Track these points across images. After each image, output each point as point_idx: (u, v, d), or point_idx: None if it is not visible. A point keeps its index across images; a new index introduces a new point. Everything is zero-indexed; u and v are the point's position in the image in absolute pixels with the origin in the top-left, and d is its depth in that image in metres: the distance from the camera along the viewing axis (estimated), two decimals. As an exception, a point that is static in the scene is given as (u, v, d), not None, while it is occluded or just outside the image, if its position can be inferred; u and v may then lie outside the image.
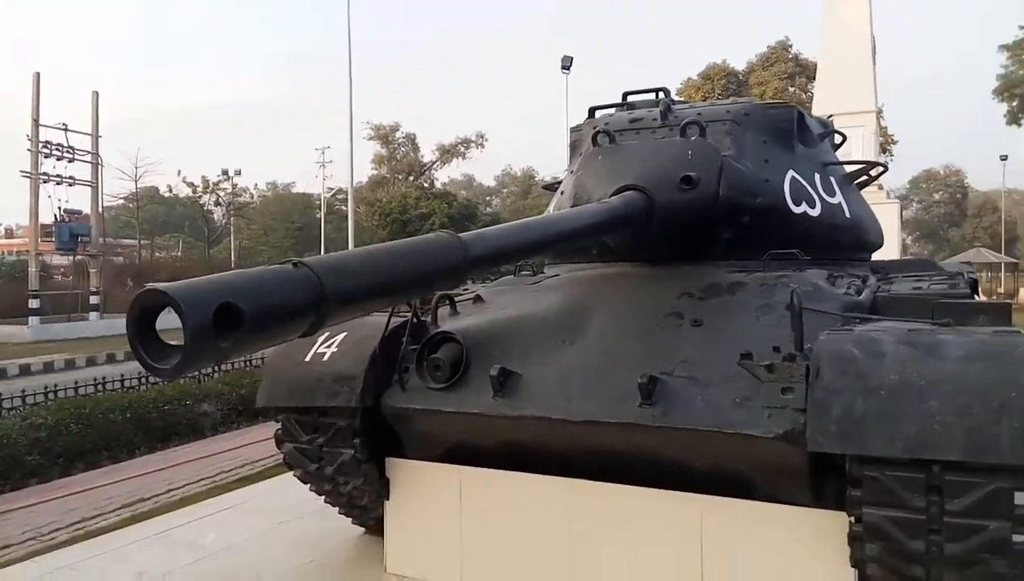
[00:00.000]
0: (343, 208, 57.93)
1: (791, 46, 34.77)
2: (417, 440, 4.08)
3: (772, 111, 4.58)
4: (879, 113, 15.90)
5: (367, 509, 4.46)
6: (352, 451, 4.01)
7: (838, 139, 5.25)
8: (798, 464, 3.15)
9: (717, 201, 4.03)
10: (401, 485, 4.18)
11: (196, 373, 11.22)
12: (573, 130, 5.16)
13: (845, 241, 4.59)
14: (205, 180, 49.91)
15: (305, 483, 4.43)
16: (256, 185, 65.49)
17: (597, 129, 4.50)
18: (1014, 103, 33.87)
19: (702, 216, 4.05)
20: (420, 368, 3.86)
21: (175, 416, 9.30)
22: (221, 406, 10.03)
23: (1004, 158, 45.24)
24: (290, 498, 5.58)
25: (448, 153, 53.92)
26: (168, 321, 1.75)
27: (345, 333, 4.07)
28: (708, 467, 3.40)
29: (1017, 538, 2.76)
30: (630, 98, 5.79)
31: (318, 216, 56.10)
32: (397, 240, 2.68)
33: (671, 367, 3.42)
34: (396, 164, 53.73)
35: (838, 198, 4.59)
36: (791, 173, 4.39)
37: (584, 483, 3.68)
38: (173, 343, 1.73)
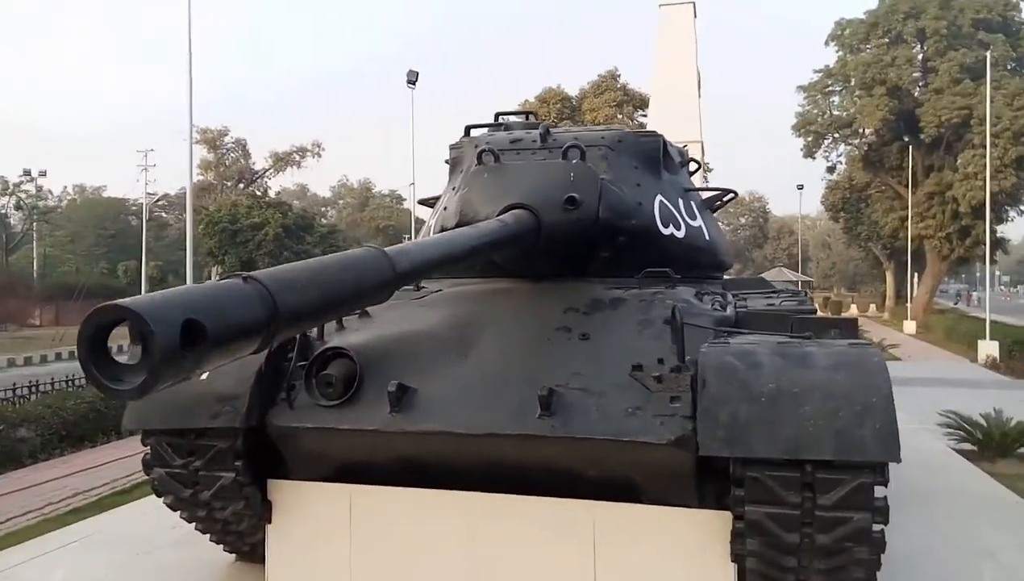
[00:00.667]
0: (163, 215, 54.36)
1: (619, 76, 36.93)
2: (304, 460, 3.96)
3: (643, 139, 4.90)
4: (702, 143, 17.23)
5: (243, 534, 4.25)
6: (233, 474, 3.82)
7: (692, 166, 5.68)
8: (685, 468, 3.38)
9: (597, 221, 4.25)
10: (284, 507, 4.03)
11: (10, 395, 10.14)
12: (453, 147, 5.22)
13: (705, 261, 4.98)
14: (3, 181, 44.98)
15: (175, 510, 4.15)
16: (65, 188, 60.07)
17: (481, 148, 4.59)
18: (809, 138, 37.83)
19: (583, 235, 4.26)
20: (309, 385, 3.76)
21: (-13, 443, 8.33)
22: (41, 431, 9.09)
23: (800, 187, 50.20)
24: (143, 526, 5.22)
25: (282, 161, 51.98)
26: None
27: None
28: (600, 474, 3.57)
29: (876, 527, 3.14)
30: (500, 118, 5.98)
31: (134, 223, 52.19)
32: (327, 255, 2.63)
33: (564, 379, 3.56)
34: (225, 170, 51.04)
35: (699, 221, 4.98)
36: (659, 197, 4.71)
37: (479, 495, 3.74)
38: (125, 362, 1.62)
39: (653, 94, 16.63)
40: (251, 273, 2.06)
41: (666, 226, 4.66)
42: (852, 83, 35.39)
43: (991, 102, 29.95)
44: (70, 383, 11.01)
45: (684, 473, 3.43)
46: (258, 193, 49.66)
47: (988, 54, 22.31)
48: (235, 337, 1.88)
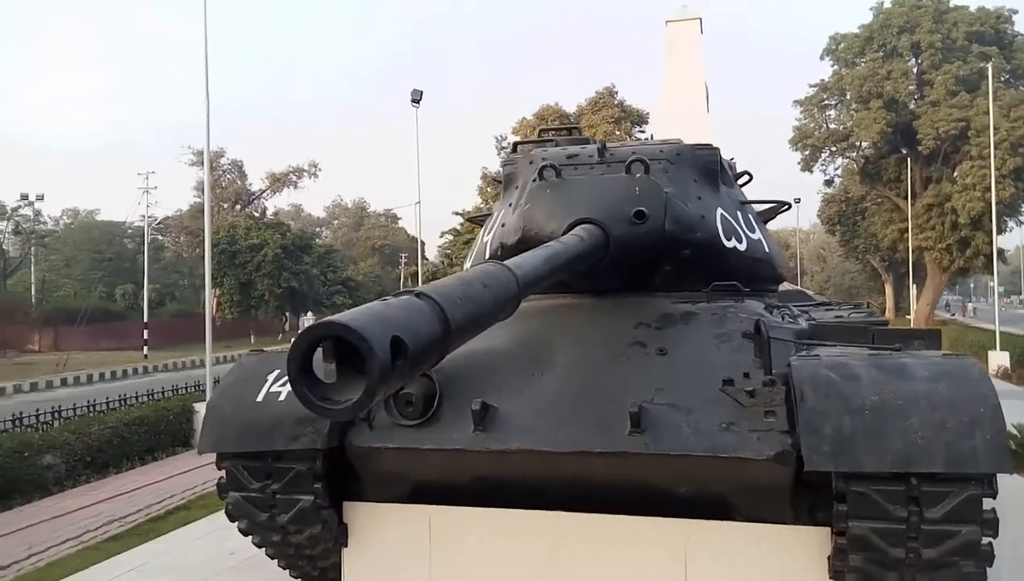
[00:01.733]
0: (159, 237, 54.13)
1: (616, 92, 37.08)
2: (381, 480, 3.91)
3: (700, 152, 4.89)
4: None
5: (315, 559, 4.18)
6: (312, 497, 3.76)
7: (744, 178, 5.68)
8: (782, 483, 3.35)
9: (663, 235, 4.23)
10: (360, 530, 3.97)
11: (33, 421, 10.02)
12: (505, 163, 5.21)
13: (765, 274, 4.97)
14: (0, 205, 44.80)
15: (247, 534, 4.09)
16: (63, 212, 59.86)
17: (541, 164, 4.57)
18: (806, 152, 38.09)
19: (649, 249, 4.23)
20: (388, 404, 3.71)
21: (14, 471, 8.21)
22: (66, 458, 8.98)
23: (798, 201, 50.36)
24: (197, 553, 5.14)
25: (279, 181, 52.01)
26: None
27: None
28: (692, 491, 3.53)
29: (984, 540, 3.10)
30: (543, 134, 5.99)
31: (129, 246, 51.96)
32: (462, 271, 2.61)
33: (649, 395, 3.53)
34: (221, 192, 50.99)
35: (757, 234, 4.96)
36: (720, 210, 4.70)
37: (564, 515, 3.69)
38: (327, 381, 1.59)
39: (662, 109, 16.72)
40: (420, 289, 2.03)
41: (728, 239, 4.64)
42: (848, 97, 35.70)
43: (987, 114, 30.42)
44: (91, 408, 10.90)
45: (780, 489, 3.39)
46: (256, 214, 49.66)
47: (990, 65, 22.55)
48: (426, 352, 1.87)
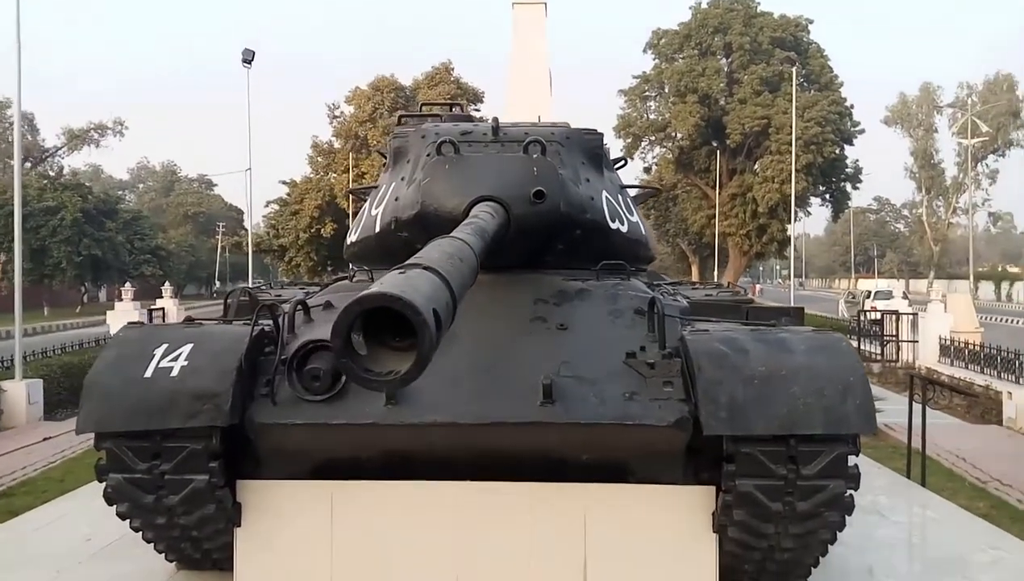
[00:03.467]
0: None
1: (453, 69, 37.15)
2: (283, 458, 3.79)
3: (587, 136, 5.09)
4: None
5: (200, 541, 3.97)
6: (207, 476, 3.58)
7: (620, 163, 5.98)
8: (677, 447, 3.63)
9: (559, 215, 4.39)
10: (256, 509, 3.83)
11: None
12: (396, 136, 5.14)
13: (642, 254, 5.29)
14: None
15: (126, 518, 3.81)
16: None
17: (439, 139, 4.56)
18: (628, 140, 40.22)
19: (546, 229, 4.38)
20: (291, 379, 3.61)
21: None
22: None
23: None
24: (51, 541, 4.72)
25: (78, 139, 47.20)
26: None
27: (191, 345, 3.63)
28: (593, 458, 3.74)
29: (847, 492, 3.55)
30: (423, 108, 5.98)
31: None
32: (436, 240, 2.59)
33: (554, 368, 3.68)
34: (7, 147, 45.51)
35: (636, 217, 5.27)
36: (604, 193, 4.94)
37: (468, 484, 3.77)
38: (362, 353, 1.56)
39: (508, 91, 16.97)
40: (425, 263, 2.02)
41: (613, 221, 4.90)
42: (667, 90, 38.02)
43: (784, 113, 33.60)
44: None
45: (674, 452, 3.68)
46: (50, 173, 44.80)
47: (793, 70, 24.91)
48: (448, 325, 1.86)
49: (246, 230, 59.42)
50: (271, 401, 3.59)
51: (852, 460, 3.52)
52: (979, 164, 54.83)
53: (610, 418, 3.50)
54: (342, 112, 38.03)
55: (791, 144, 30.95)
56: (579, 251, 4.65)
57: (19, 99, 12.42)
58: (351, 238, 5.34)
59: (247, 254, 33.59)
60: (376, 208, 5.05)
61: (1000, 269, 62.40)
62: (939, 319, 16.73)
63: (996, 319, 31.87)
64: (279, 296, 5.24)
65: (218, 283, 68.75)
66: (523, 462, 3.75)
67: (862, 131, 37.48)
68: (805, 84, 36.81)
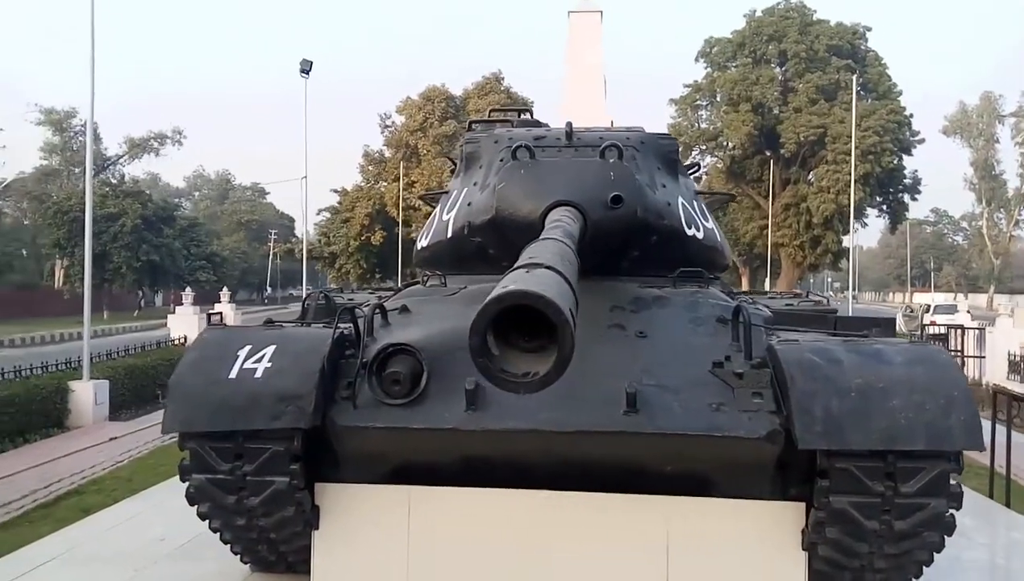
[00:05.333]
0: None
1: (503, 79, 37.31)
2: (362, 461, 3.77)
3: (663, 141, 5.01)
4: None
5: (277, 543, 3.97)
6: (287, 478, 3.57)
7: (693, 170, 5.88)
8: (766, 461, 3.51)
9: (635, 221, 4.30)
10: (334, 512, 3.82)
11: None
12: (468, 141, 5.12)
13: (718, 261, 5.17)
14: None
15: (207, 519, 3.83)
16: None
17: (514, 144, 4.52)
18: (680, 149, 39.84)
19: (622, 234, 4.30)
20: (372, 383, 3.58)
21: None
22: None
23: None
24: (126, 540, 4.78)
25: (138, 147, 48.58)
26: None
27: (274, 346, 3.63)
28: (677, 470, 3.63)
29: (949, 512, 3.39)
30: (493, 114, 5.97)
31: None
32: (537, 242, 2.55)
33: (637, 376, 3.58)
34: (72, 155, 47.06)
35: (711, 223, 5.16)
36: (680, 199, 4.84)
37: (546, 493, 3.70)
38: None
39: (563, 97, 16.97)
40: (547, 263, 1.97)
41: (689, 227, 4.79)
42: (719, 98, 37.59)
43: (841, 123, 32.92)
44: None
45: (763, 466, 3.55)
46: (112, 181, 46.16)
47: (853, 78, 24.39)
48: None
49: (297, 237, 60.59)
50: (352, 404, 3.57)
51: (954, 479, 3.36)
52: (1043, 175, 53.04)
53: (697, 429, 3.39)
54: (393, 122, 38.49)
55: (848, 154, 30.31)
56: (655, 258, 4.56)
57: (91, 114, 12.76)
58: (422, 243, 5.33)
59: (299, 261, 34.21)
60: (448, 213, 5.02)
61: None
62: (1008, 334, 16.12)
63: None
64: (351, 300, 5.26)
65: (269, 289, 70.04)
66: (603, 472, 3.66)
67: (922, 141, 36.59)
68: (863, 93, 35.99)
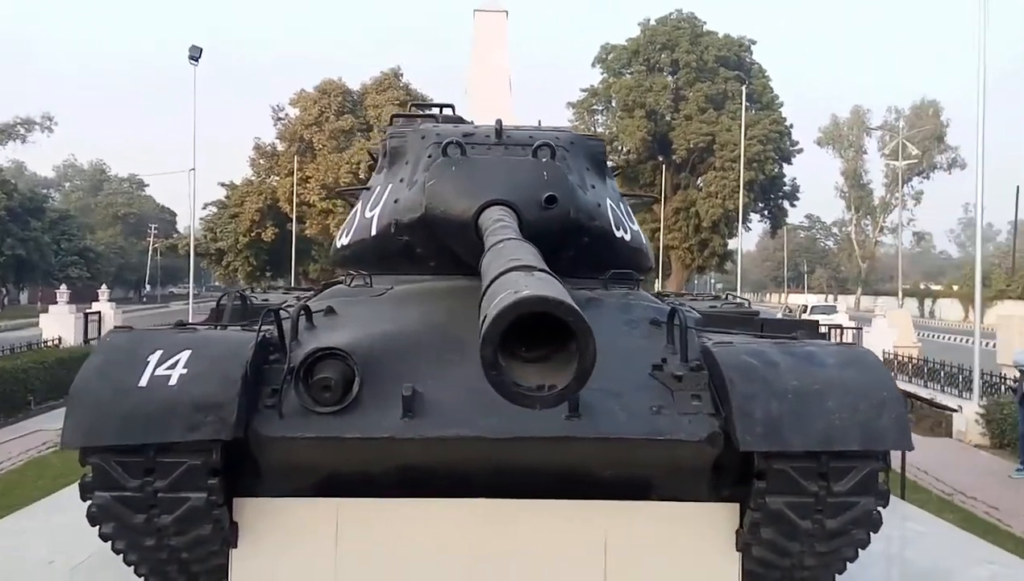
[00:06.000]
0: None
1: (402, 75, 36.80)
2: (287, 473, 3.52)
3: (591, 141, 4.99)
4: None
5: (188, 563, 3.66)
6: (205, 494, 3.30)
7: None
8: (705, 463, 3.51)
9: (568, 221, 4.25)
10: (254, 529, 3.56)
11: None
12: (393, 135, 4.92)
13: (643, 264, 5.19)
14: None
15: (109, 540, 3.49)
16: None
17: (445, 140, 4.37)
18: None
19: (555, 235, 4.23)
20: (299, 389, 3.36)
21: None
22: None
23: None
24: (10, 563, 4.33)
25: (3, 134, 44.96)
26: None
27: (189, 351, 3.35)
28: (616, 474, 3.59)
29: (877, 510, 3.49)
30: (412, 109, 5.81)
31: None
32: (505, 242, 2.40)
33: None
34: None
35: (636, 226, 5.18)
36: (608, 201, 4.83)
37: (483, 501, 3.58)
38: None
39: (469, 95, 16.84)
40: (533, 265, 1.84)
41: (617, 229, 4.79)
42: (614, 104, 38.45)
43: (728, 131, 34.34)
44: None
45: (701, 468, 3.56)
46: (-29, 168, 42.54)
47: (743, 89, 25.44)
48: None
49: (180, 233, 57.67)
50: (278, 413, 3.34)
51: (881, 477, 3.47)
52: (905, 185, 57.14)
53: (639, 432, 3.36)
54: (287, 114, 37.24)
55: (734, 161, 31.67)
56: (586, 259, 4.52)
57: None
58: (341, 241, 5.10)
59: (181, 257, 32.45)
60: (371, 210, 4.81)
61: (923, 287, 64.99)
62: (883, 333, 17.23)
63: (925, 335, 33.13)
64: (266, 300, 4.96)
65: (148, 287, 66.41)
66: (542, 478, 3.58)
67: (800, 150, 38.69)
68: (747, 103, 37.74)
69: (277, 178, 37.65)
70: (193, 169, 22.00)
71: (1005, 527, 6.39)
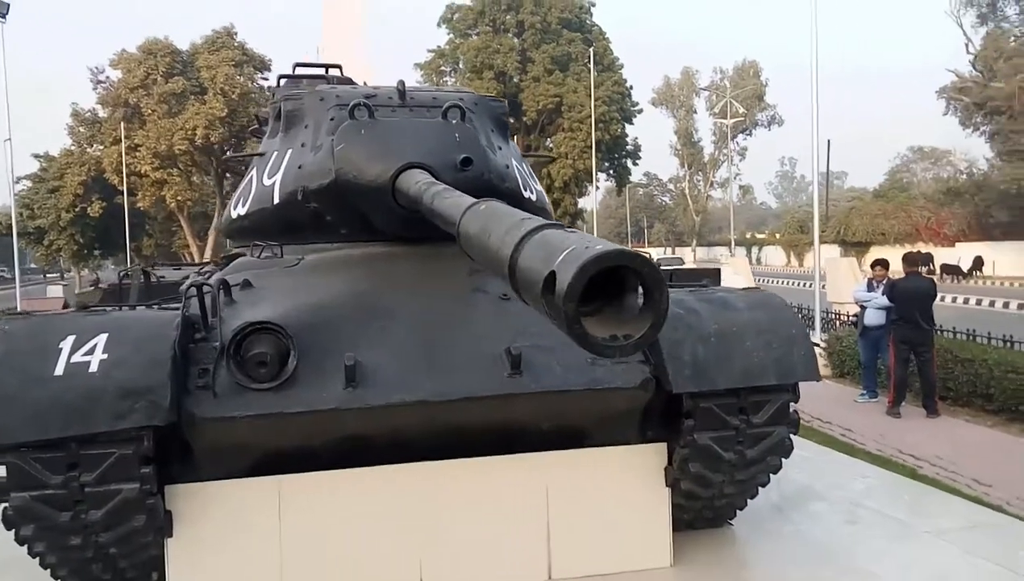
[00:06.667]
0: None
1: (236, 34, 34.64)
2: (221, 455, 3.38)
3: (493, 103, 5.00)
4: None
5: (116, 559, 3.44)
6: (137, 484, 3.11)
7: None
8: (637, 408, 3.72)
9: (482, 183, 4.28)
10: (189, 516, 3.40)
11: None
12: (289, 98, 4.70)
13: None
14: None
15: (25, 544, 3.22)
16: None
17: (353, 102, 4.24)
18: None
19: (472, 197, 4.25)
20: (231, 367, 3.22)
21: None
22: None
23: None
24: None
25: None
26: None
27: (105, 334, 3.12)
28: (554, 426, 3.72)
29: (789, 438, 3.84)
30: (298, 69, 5.60)
31: None
32: (493, 202, 2.41)
33: (511, 338, 3.61)
34: None
35: (539, 186, 5.27)
36: (513, 161, 4.89)
37: (428, 464, 3.62)
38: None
39: (323, 52, 16.19)
40: (560, 224, 1.86)
41: (525, 190, 4.86)
42: (462, 66, 38.22)
43: (575, 93, 35.14)
44: None
45: (634, 413, 3.76)
46: None
47: (591, 51, 26.04)
48: None
49: (-13, 210, 51.82)
50: (211, 392, 3.19)
51: (792, 407, 3.81)
52: (731, 142, 61.01)
53: (580, 384, 3.50)
54: (107, 77, 34.13)
55: (582, 121, 32.47)
56: None
57: None
58: (238, 211, 4.84)
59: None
60: (269, 177, 4.60)
61: (748, 236, 69.96)
62: (731, 279, 18.48)
63: (758, 280, 35.87)
64: (162, 278, 4.65)
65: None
66: (482, 437, 3.65)
67: (641, 111, 40.20)
68: (590, 65, 38.72)
69: (102, 147, 34.61)
70: (9, 139, 19.77)
71: (860, 445, 7.14)
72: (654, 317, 1.68)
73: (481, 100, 4.90)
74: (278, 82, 5.45)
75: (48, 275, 54.49)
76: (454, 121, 4.29)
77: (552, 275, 1.76)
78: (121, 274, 4.30)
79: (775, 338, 3.65)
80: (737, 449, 3.73)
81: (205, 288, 3.43)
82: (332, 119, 4.32)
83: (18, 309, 16.79)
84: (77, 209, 35.63)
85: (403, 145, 4.04)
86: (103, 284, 4.78)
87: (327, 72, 5.83)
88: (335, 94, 4.53)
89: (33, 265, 54.55)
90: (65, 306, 3.55)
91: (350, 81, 5.62)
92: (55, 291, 26.65)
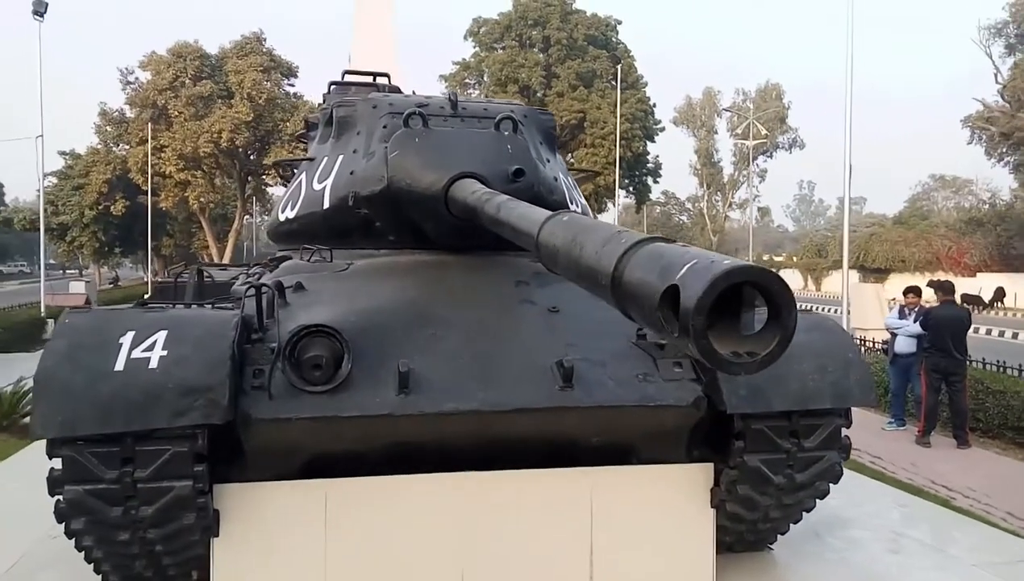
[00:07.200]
0: None
1: (265, 39, 34.97)
2: (272, 456, 3.37)
3: (543, 116, 5.02)
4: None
5: (160, 556, 3.43)
6: (190, 482, 3.11)
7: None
8: (687, 427, 3.68)
9: (532, 194, 4.28)
10: (236, 516, 3.39)
11: None
12: (341, 104, 4.73)
13: None
14: None
15: (74, 537, 3.22)
16: None
17: (407, 111, 4.26)
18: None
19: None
20: (287, 369, 3.22)
21: None
22: None
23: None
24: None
25: None
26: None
27: (164, 331, 3.13)
28: (602, 441, 3.69)
29: (839, 463, 3.79)
30: (347, 76, 5.65)
31: None
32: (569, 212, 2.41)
33: (561, 351, 3.59)
34: None
35: (583, 199, 5.27)
36: (560, 174, 4.89)
37: (475, 475, 3.60)
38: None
39: (353, 64, 16.31)
40: (654, 236, 1.85)
41: (571, 203, 4.86)
42: (486, 79, 38.38)
43: (598, 109, 35.19)
44: None
45: (683, 431, 3.72)
46: None
47: (619, 68, 26.08)
48: None
49: (7, 205, 52.39)
50: (267, 394, 3.19)
51: (844, 432, 3.76)
52: (751, 164, 60.94)
53: (632, 400, 3.47)
54: (137, 78, 34.49)
55: (604, 138, 32.47)
56: None
57: None
58: (286, 214, 4.86)
59: (9, 232, 29.48)
60: (319, 182, 4.63)
61: (766, 258, 69.57)
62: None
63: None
64: (210, 277, 4.67)
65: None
66: (530, 449, 3.63)
67: (663, 129, 40.20)
68: (614, 82, 38.77)
69: (128, 147, 34.95)
70: (41, 136, 19.96)
71: (890, 474, 7.05)
72: (782, 336, 1.67)
73: (531, 112, 4.92)
74: (329, 88, 5.49)
75: (67, 271, 54.95)
76: (506, 132, 4.30)
77: (674, 289, 1.75)
78: (176, 273, 4.33)
79: (831, 361, 3.60)
80: (787, 472, 3.68)
81: (263, 289, 3.44)
82: (385, 127, 4.35)
83: (42, 304, 16.98)
84: (100, 207, 35.95)
85: (457, 155, 4.06)
86: (156, 279, 4.81)
87: (375, 80, 5.87)
88: (388, 102, 4.56)
89: (52, 261, 55.03)
90: (87, 303, 3.54)
91: (398, 90, 5.66)
92: (77, 287, 26.82)
